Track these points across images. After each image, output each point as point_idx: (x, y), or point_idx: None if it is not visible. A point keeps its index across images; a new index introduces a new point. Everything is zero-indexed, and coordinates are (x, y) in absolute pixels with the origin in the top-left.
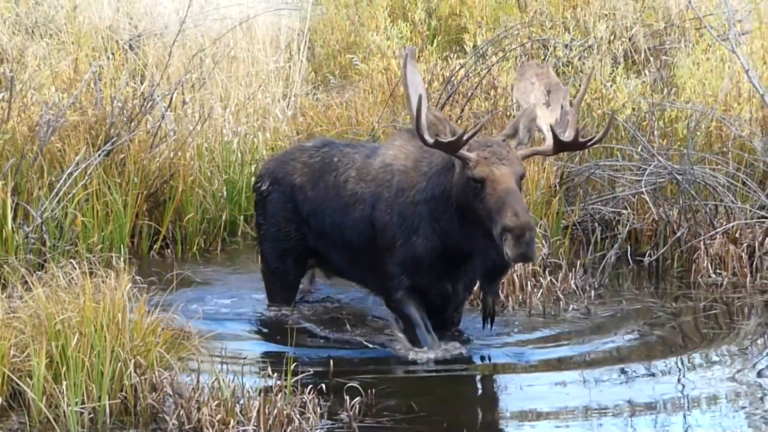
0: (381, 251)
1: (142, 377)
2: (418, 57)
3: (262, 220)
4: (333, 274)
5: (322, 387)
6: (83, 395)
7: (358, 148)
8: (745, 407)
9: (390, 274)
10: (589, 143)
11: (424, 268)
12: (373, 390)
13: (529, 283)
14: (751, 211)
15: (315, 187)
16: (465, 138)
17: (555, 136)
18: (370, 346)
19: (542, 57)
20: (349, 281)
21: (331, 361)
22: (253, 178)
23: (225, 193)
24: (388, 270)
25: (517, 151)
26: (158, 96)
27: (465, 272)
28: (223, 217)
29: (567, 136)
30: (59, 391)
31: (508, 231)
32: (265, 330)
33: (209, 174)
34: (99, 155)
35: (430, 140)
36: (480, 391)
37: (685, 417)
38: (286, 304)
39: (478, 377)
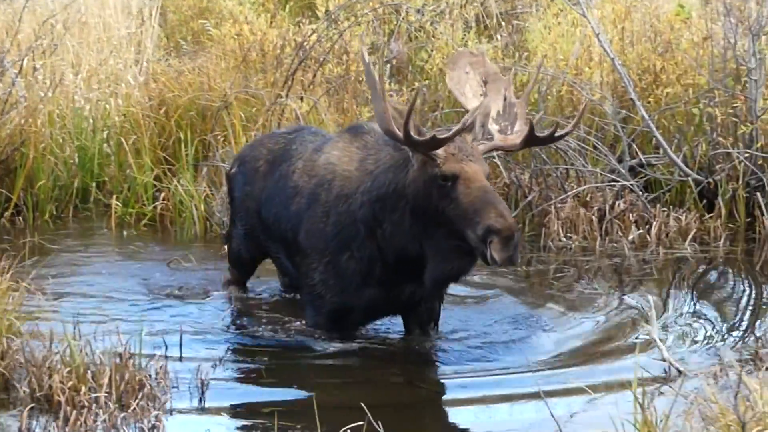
0: (303, 254)
1: None
2: (270, 23)
3: (231, 203)
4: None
5: (174, 353)
6: None
7: (318, 137)
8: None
9: (311, 289)
10: (562, 136)
11: (354, 285)
12: (224, 355)
13: None
14: (601, 174)
15: (271, 176)
16: (448, 136)
17: (531, 131)
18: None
19: (395, 22)
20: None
21: (182, 327)
22: (104, 144)
23: (77, 160)
24: (309, 281)
25: (477, 147)
26: (8, 62)
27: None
28: (75, 185)
29: (517, 129)
30: None
31: (494, 233)
32: (119, 296)
33: (61, 141)
34: None
35: (403, 137)
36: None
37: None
38: (237, 285)
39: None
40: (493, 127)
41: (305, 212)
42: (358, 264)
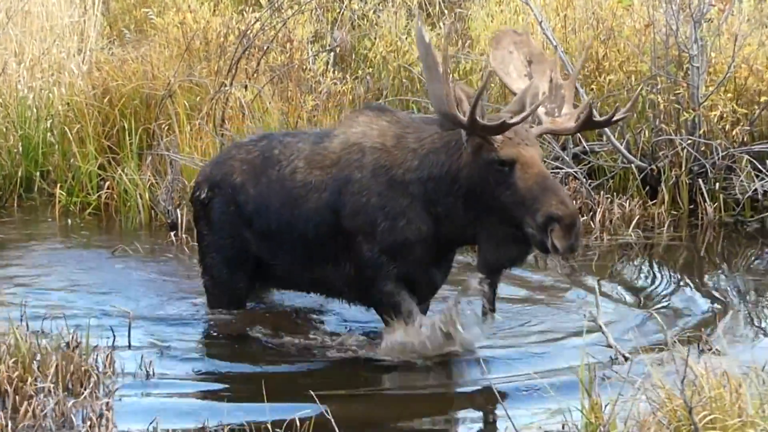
0: (352, 239)
1: None
2: (214, 11)
3: (206, 231)
4: (277, 288)
5: (122, 341)
6: None
7: (301, 136)
8: None
9: (371, 264)
10: (621, 119)
11: (416, 254)
12: (172, 343)
13: None
14: (545, 162)
15: (257, 185)
16: (517, 120)
17: (590, 114)
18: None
19: (338, 10)
20: (298, 290)
21: (131, 315)
22: (48, 133)
23: (20, 149)
24: (366, 259)
25: (531, 130)
26: None
27: (447, 260)
28: (19, 173)
29: (565, 112)
30: None
31: (556, 221)
32: (65, 285)
33: (4, 130)
34: None
35: (468, 121)
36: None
37: (478, 358)
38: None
39: None
40: (539, 110)
41: (336, 201)
42: (414, 233)
